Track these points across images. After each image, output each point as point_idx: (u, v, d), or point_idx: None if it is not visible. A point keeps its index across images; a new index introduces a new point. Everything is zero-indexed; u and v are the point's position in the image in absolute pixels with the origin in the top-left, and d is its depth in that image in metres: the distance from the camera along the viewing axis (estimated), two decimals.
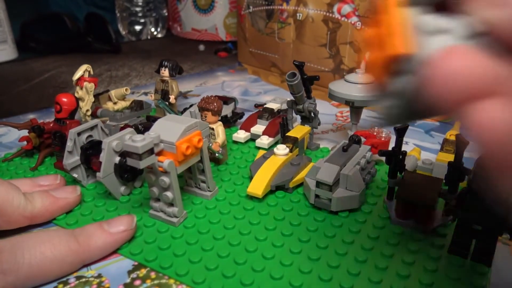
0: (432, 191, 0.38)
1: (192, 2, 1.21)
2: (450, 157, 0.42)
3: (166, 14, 1.33)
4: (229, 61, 1.05)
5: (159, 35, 1.33)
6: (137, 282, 0.34)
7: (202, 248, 0.36)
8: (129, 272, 0.35)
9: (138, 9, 1.25)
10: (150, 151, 0.36)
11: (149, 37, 1.30)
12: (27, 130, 0.52)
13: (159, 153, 0.38)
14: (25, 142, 0.51)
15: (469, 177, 0.34)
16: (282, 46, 0.87)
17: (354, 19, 0.72)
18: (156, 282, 0.34)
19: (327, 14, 0.76)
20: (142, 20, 1.27)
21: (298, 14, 0.81)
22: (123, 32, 1.29)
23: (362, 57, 0.73)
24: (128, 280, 0.34)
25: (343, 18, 0.73)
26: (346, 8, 0.72)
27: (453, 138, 0.50)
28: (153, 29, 1.30)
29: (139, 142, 0.35)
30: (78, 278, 0.34)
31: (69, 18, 1.11)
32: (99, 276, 0.34)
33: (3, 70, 0.97)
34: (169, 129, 0.38)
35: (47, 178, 0.44)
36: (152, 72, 0.96)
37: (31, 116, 0.68)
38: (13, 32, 1.05)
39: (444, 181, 0.39)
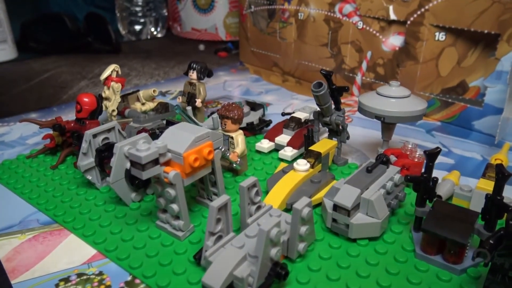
0: (465, 225, 0.33)
1: (192, 1, 1.21)
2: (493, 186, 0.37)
3: (166, 14, 1.33)
4: (229, 60, 1.04)
5: (159, 35, 1.33)
6: (138, 280, 0.33)
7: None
8: None
9: (138, 9, 1.26)
10: (155, 161, 0.34)
11: (149, 37, 1.31)
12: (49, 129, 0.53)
13: (166, 163, 0.36)
14: (48, 140, 0.52)
15: (509, 216, 0.29)
16: (284, 45, 0.87)
17: (355, 18, 0.72)
18: None
19: (329, 13, 0.76)
20: (142, 20, 1.28)
21: (299, 14, 0.82)
22: (123, 32, 1.30)
23: (363, 57, 0.73)
24: (129, 278, 0.33)
25: (344, 18, 0.74)
26: (348, 8, 0.73)
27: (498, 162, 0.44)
28: (153, 29, 1.31)
29: (143, 152, 0.33)
30: (79, 275, 0.34)
31: (69, 18, 1.13)
32: (100, 273, 0.34)
33: (3, 70, 0.97)
34: (178, 138, 0.36)
35: None
36: (152, 72, 0.96)
37: (32, 115, 0.69)
38: (13, 32, 1.06)
39: (480, 215, 0.34)
